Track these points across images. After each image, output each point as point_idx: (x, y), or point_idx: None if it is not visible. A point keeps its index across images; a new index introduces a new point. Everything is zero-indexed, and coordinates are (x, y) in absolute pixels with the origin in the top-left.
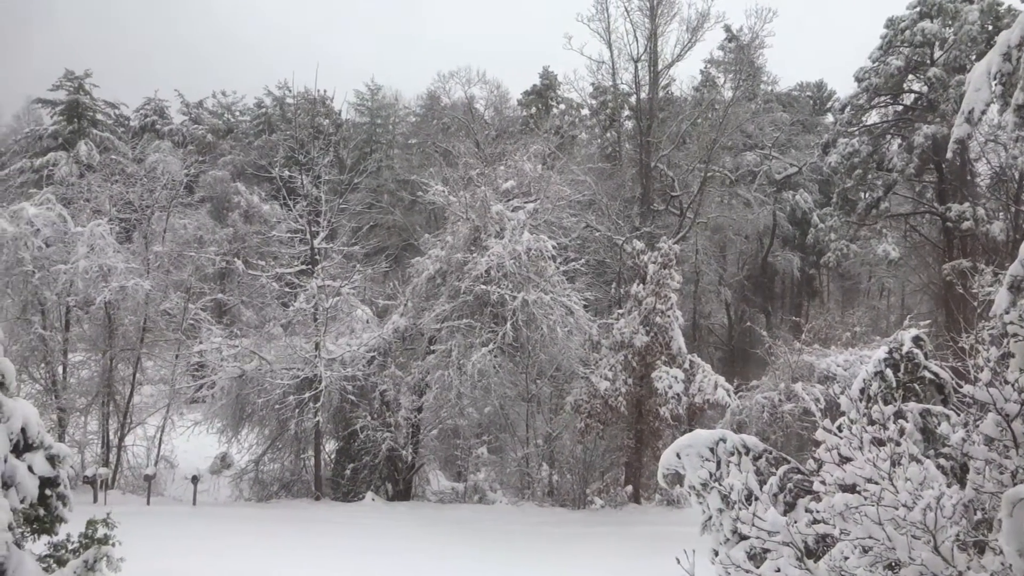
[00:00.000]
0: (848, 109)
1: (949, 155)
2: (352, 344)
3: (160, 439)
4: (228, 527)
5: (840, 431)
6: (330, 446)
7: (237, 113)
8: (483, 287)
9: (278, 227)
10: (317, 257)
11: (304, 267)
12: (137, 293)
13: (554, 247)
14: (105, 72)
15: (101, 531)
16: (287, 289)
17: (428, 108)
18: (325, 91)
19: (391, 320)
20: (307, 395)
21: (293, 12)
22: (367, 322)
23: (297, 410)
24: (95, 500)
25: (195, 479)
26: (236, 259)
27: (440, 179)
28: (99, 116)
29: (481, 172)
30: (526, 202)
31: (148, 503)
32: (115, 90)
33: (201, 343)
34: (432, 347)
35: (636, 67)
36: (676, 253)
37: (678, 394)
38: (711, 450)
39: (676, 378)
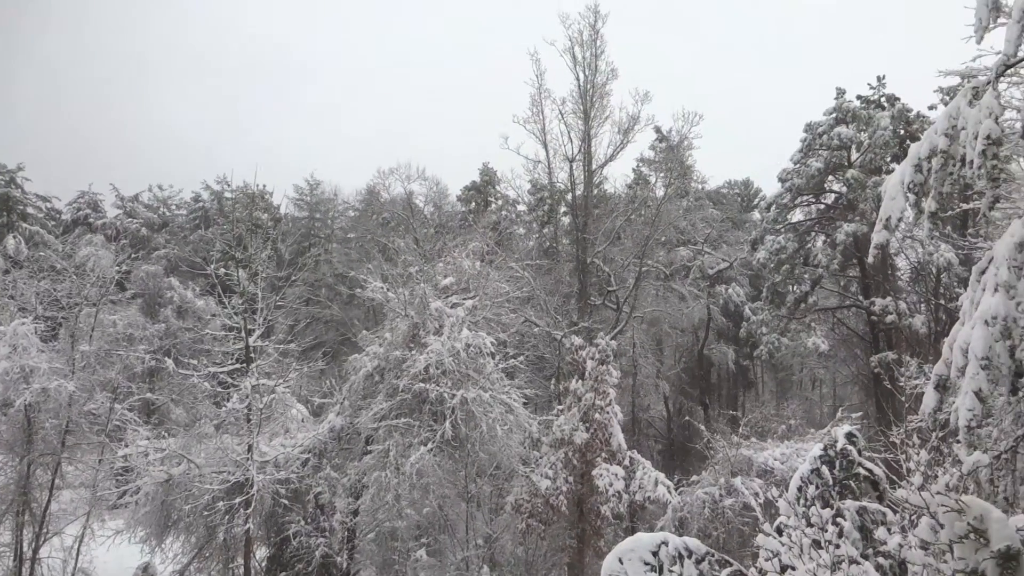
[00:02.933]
0: (774, 207)
1: (871, 259)
2: (286, 445)
3: (78, 550)
4: None
5: (780, 533)
6: (261, 553)
7: (173, 207)
8: (422, 385)
9: (212, 323)
10: (252, 355)
11: (238, 365)
12: (60, 395)
13: (493, 343)
14: (39, 164)
15: None
16: (220, 388)
17: (367, 203)
18: (264, 186)
19: (327, 419)
20: (238, 500)
21: (234, 108)
22: (302, 421)
23: (227, 516)
24: None
25: None
26: (167, 357)
27: (379, 275)
28: (29, 210)
29: (420, 268)
30: (465, 299)
31: None
32: (49, 183)
33: (126, 446)
34: (369, 447)
35: (571, 166)
36: (614, 348)
37: (619, 492)
38: (653, 554)
39: (617, 475)
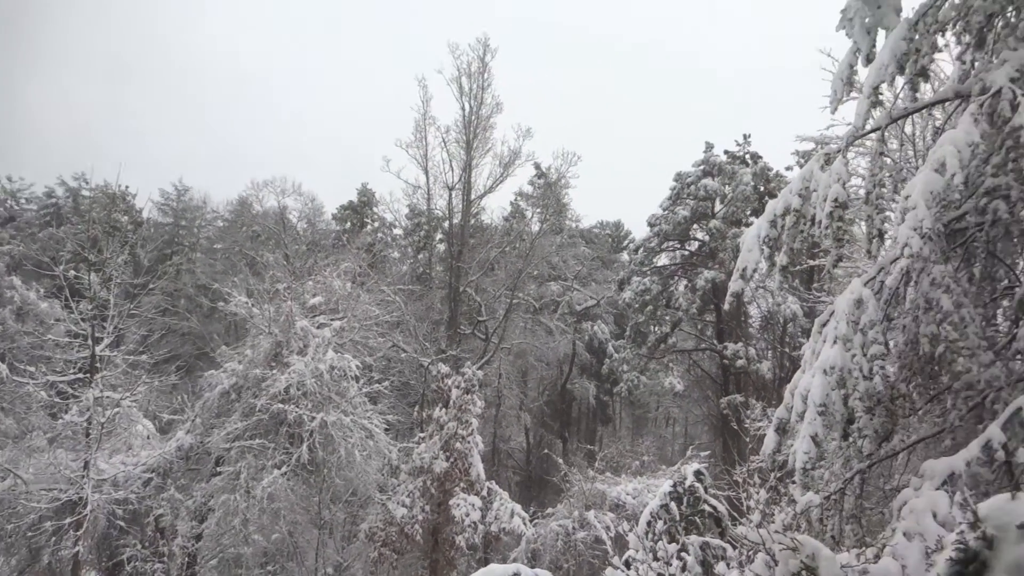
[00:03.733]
0: (642, 250)
1: (726, 306)
2: (127, 463)
3: None
4: None
5: (628, 566)
6: None
7: (23, 201)
8: (280, 405)
9: (55, 328)
10: (97, 365)
11: (81, 375)
12: None
13: (358, 367)
14: None
15: None
16: (58, 399)
17: (238, 214)
18: (127, 187)
19: (176, 437)
20: (68, 520)
21: (106, 103)
22: (148, 438)
23: (54, 537)
24: None
25: None
26: (0, 361)
27: (244, 289)
28: None
29: (288, 286)
30: (333, 319)
31: None
32: None
33: None
34: (219, 468)
35: (451, 194)
36: (480, 378)
37: (475, 522)
38: None
39: (474, 505)
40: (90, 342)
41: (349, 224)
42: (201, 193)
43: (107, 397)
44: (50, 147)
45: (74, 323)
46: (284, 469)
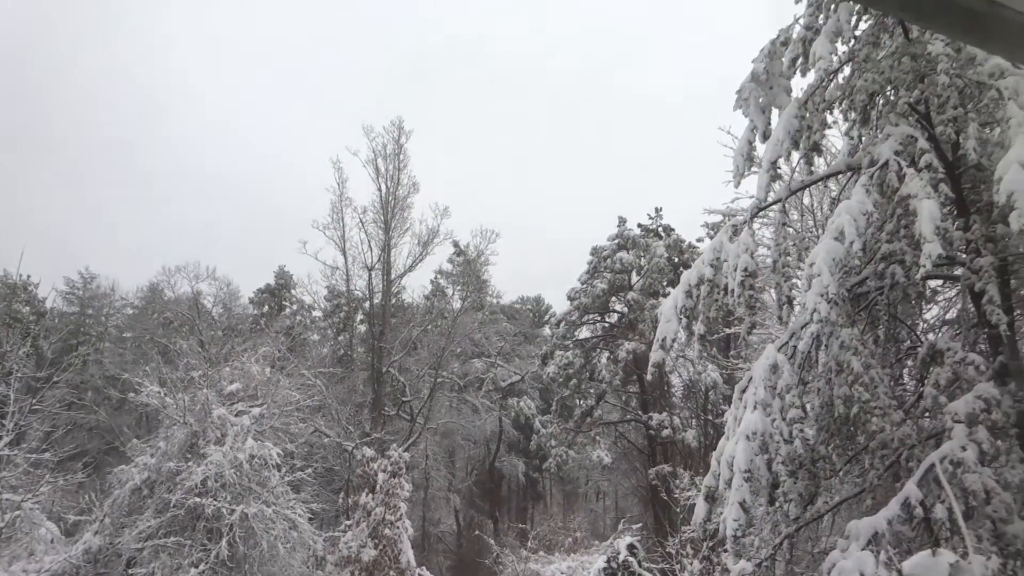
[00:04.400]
0: (563, 324)
1: (649, 376)
2: (30, 570)
3: None
4: None
5: None
6: None
7: None
8: (197, 499)
9: None
10: None
11: None
12: None
13: (280, 454)
14: None
15: None
16: None
17: (149, 301)
18: (29, 276)
19: (83, 539)
20: None
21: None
22: (52, 542)
23: None
24: None
25: None
26: None
27: (156, 378)
28: None
29: (204, 373)
30: (252, 406)
31: None
32: None
33: None
34: (131, 570)
35: (370, 275)
36: (406, 460)
37: None
38: None
39: None
40: None
41: (267, 308)
42: (109, 280)
43: (7, 500)
44: None
45: None
46: (202, 567)
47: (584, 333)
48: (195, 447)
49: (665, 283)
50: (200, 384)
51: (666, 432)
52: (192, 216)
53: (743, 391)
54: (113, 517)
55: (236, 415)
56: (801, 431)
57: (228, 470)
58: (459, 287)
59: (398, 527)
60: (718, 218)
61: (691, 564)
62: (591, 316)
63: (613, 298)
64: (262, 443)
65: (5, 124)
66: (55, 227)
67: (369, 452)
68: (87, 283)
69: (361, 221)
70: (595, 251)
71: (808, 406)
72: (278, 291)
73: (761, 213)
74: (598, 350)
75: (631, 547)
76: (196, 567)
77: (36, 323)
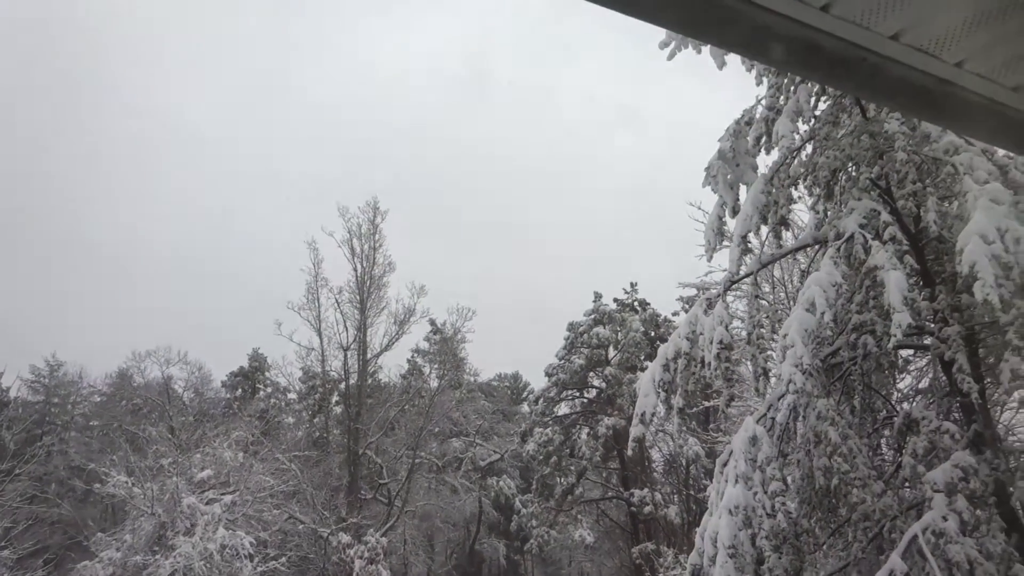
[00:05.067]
0: (541, 400)
1: (629, 452)
2: None
3: None
4: None
5: None
6: None
7: None
8: None
9: None
10: None
11: None
12: None
13: (252, 543)
14: None
15: None
16: None
17: (117, 387)
18: None
19: None
20: None
21: None
22: None
23: None
24: None
25: None
26: None
27: (124, 468)
28: None
29: (174, 460)
30: (224, 493)
31: None
32: None
33: None
34: None
35: (346, 355)
36: (384, 546)
37: None
38: None
39: None
40: None
41: (240, 391)
42: (76, 367)
43: None
44: None
45: None
46: None
47: (563, 409)
48: (163, 539)
49: (642, 357)
50: (170, 472)
51: (648, 509)
52: (161, 300)
53: (724, 464)
54: None
55: (207, 503)
56: (783, 504)
57: (198, 562)
58: (436, 365)
59: None
60: (692, 291)
61: None
62: (570, 392)
63: (591, 373)
64: (234, 532)
65: None
66: (17, 314)
67: (345, 538)
68: (53, 371)
69: (337, 301)
70: (572, 327)
71: (789, 478)
72: (252, 373)
73: (734, 286)
74: (578, 426)
75: None
76: None
77: None
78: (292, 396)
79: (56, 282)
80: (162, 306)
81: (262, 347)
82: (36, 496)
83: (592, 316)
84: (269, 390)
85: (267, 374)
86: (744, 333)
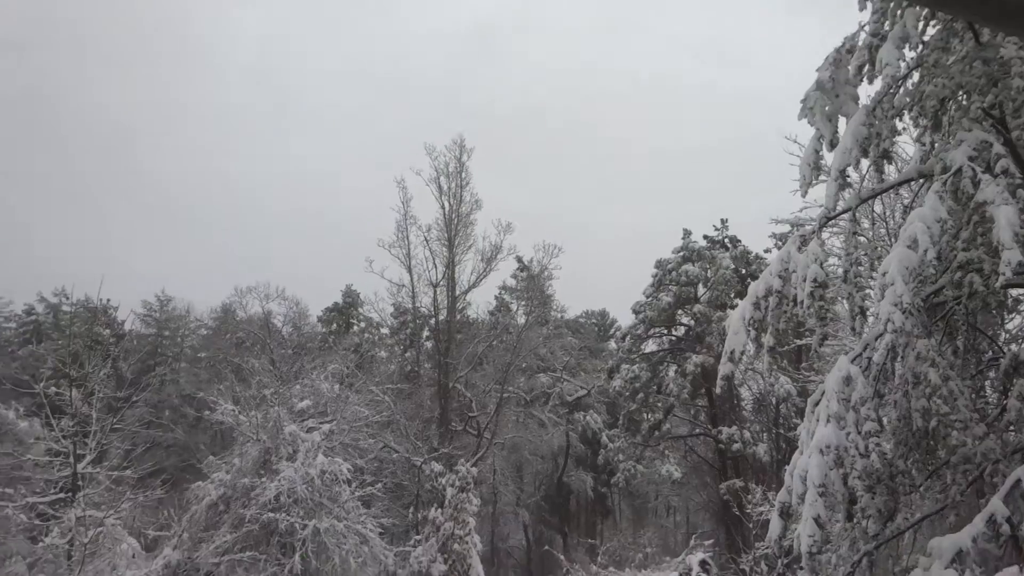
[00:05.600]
0: (628, 338)
1: (718, 390)
2: None
3: None
4: None
5: None
6: None
7: (1, 319)
8: (271, 515)
9: (35, 447)
10: (80, 483)
11: (63, 495)
12: None
13: (350, 470)
14: None
15: None
16: (38, 521)
17: (222, 321)
18: (108, 300)
19: (162, 554)
20: None
21: (80, 223)
22: (133, 557)
23: None
24: None
25: None
26: None
27: (230, 397)
28: None
29: (276, 391)
30: (322, 423)
31: None
32: None
33: None
34: None
35: (435, 291)
36: (474, 475)
37: None
38: None
39: None
40: (72, 460)
41: (335, 326)
42: (184, 303)
43: (90, 516)
44: (29, 264)
45: (55, 441)
46: None
47: (650, 347)
48: (268, 463)
49: (732, 295)
50: (272, 402)
51: (736, 446)
52: (260, 238)
53: (816, 404)
54: (191, 532)
55: (307, 431)
56: (878, 444)
57: (300, 486)
58: (523, 302)
59: (467, 542)
60: (786, 228)
61: None
62: (657, 329)
63: (679, 311)
64: (332, 459)
65: (89, 162)
66: (131, 254)
67: (437, 467)
68: (163, 305)
69: (426, 239)
70: (660, 264)
71: (884, 419)
72: (346, 309)
73: (830, 222)
74: (665, 363)
75: (703, 563)
76: None
77: (116, 345)
78: (384, 331)
79: (161, 224)
80: (259, 244)
81: (355, 284)
82: (152, 422)
83: (681, 253)
84: (362, 325)
85: (360, 310)
86: (840, 271)
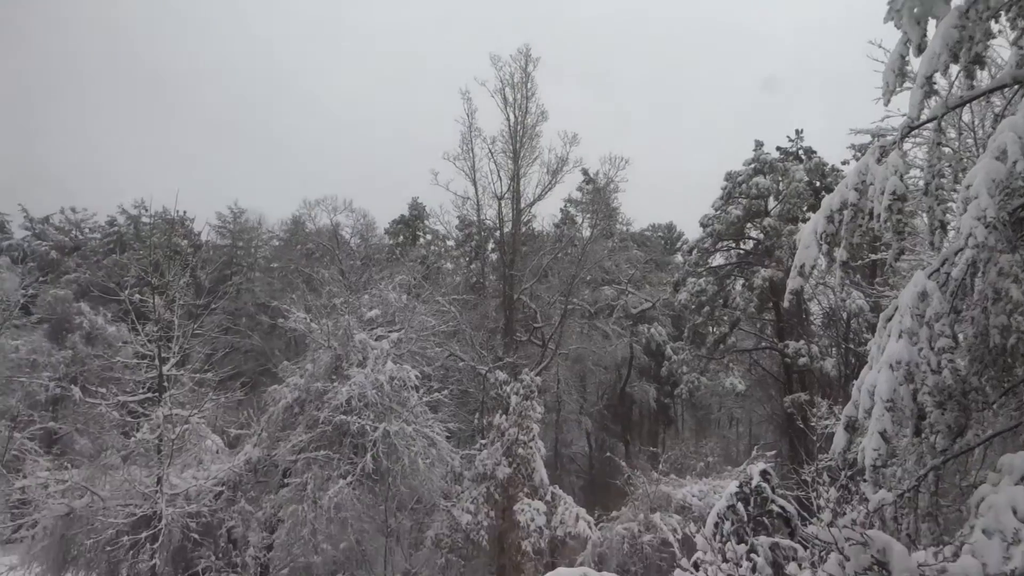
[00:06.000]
0: (695, 251)
1: (786, 304)
2: (199, 477)
3: None
4: None
5: (697, 568)
6: None
7: (87, 231)
8: (343, 417)
9: (123, 351)
10: (165, 384)
11: (150, 395)
12: None
13: (417, 377)
14: None
15: None
16: (129, 418)
17: (292, 233)
18: (184, 212)
19: (243, 451)
20: (144, 534)
21: (156, 138)
22: (217, 453)
23: (131, 551)
24: None
25: None
26: (73, 385)
27: (302, 305)
28: None
29: (345, 300)
30: (390, 331)
31: None
32: None
33: (24, 477)
34: (286, 480)
35: (500, 204)
36: (538, 384)
37: (540, 527)
38: None
39: (538, 511)
40: (157, 362)
41: (401, 238)
42: (256, 214)
43: (176, 414)
44: (108, 178)
45: (141, 345)
46: (349, 479)
47: (718, 260)
48: (339, 369)
49: (804, 208)
50: (342, 311)
51: (803, 360)
52: (326, 152)
53: (888, 319)
54: (269, 432)
55: (376, 340)
56: (951, 361)
57: (370, 390)
58: (589, 215)
59: (531, 447)
60: (865, 139)
61: (827, 492)
62: (725, 243)
63: (748, 224)
64: (401, 366)
65: (159, 76)
66: (203, 166)
67: (502, 375)
68: (236, 217)
69: (490, 151)
70: (729, 176)
71: (960, 336)
72: (412, 221)
73: (913, 132)
74: (732, 277)
75: (765, 473)
76: (344, 478)
77: (193, 255)
78: (450, 243)
79: (229, 138)
80: (327, 156)
81: (421, 197)
82: (230, 328)
83: (752, 165)
84: (428, 237)
85: (426, 222)
86: (920, 183)
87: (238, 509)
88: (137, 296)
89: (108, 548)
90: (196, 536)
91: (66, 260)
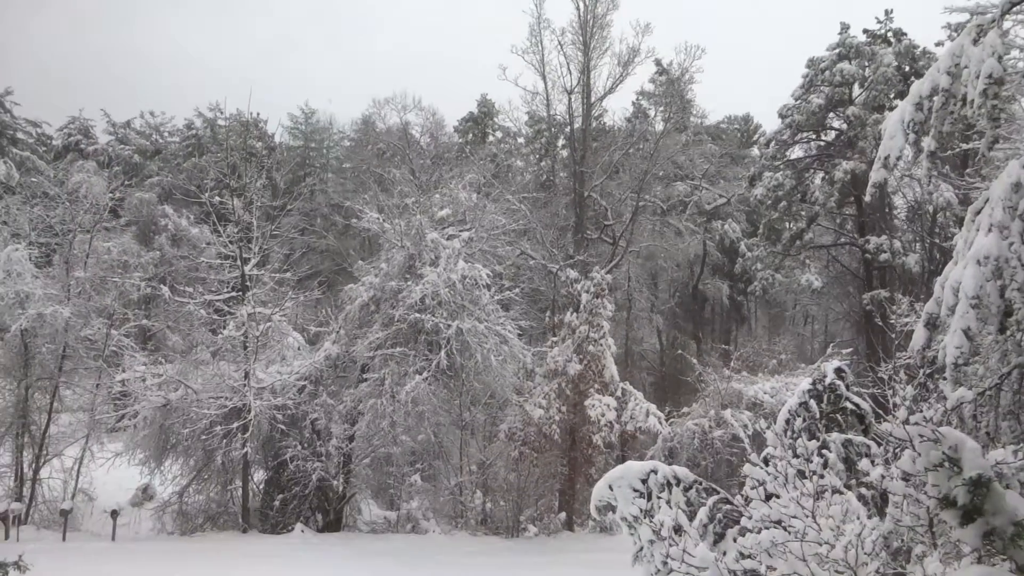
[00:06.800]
0: (773, 144)
1: (868, 198)
2: (283, 372)
3: (78, 471)
4: (148, 564)
5: (766, 463)
6: (258, 476)
7: (166, 134)
8: (417, 315)
9: (207, 251)
10: (248, 283)
11: (234, 293)
12: (56, 320)
13: (489, 275)
14: (27, 91)
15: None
16: (216, 316)
17: (363, 133)
18: (258, 114)
19: (323, 347)
20: (235, 425)
21: (227, 38)
22: (298, 349)
23: (224, 440)
24: (6, 537)
25: (115, 513)
26: (162, 284)
27: (375, 206)
28: (19, 135)
29: (416, 200)
30: (461, 230)
31: (64, 539)
32: (38, 109)
33: (124, 371)
34: (365, 375)
35: (570, 98)
36: (609, 282)
37: (611, 422)
38: (643, 481)
39: (609, 406)
40: (239, 263)
41: (471, 136)
42: (327, 115)
43: (259, 313)
44: (183, 80)
45: (223, 246)
46: (425, 375)
47: (796, 153)
48: (412, 268)
49: (892, 96)
50: (413, 210)
51: (884, 256)
52: (394, 48)
53: (977, 212)
54: (347, 329)
55: (447, 239)
56: None
57: (443, 289)
58: (661, 108)
59: (601, 344)
60: (963, 17)
61: (904, 390)
62: (805, 134)
63: (830, 114)
64: (472, 265)
65: None
66: (268, 69)
67: (573, 274)
68: (308, 118)
69: (559, 43)
70: (811, 63)
71: None
72: (481, 119)
73: (1015, 8)
74: (811, 170)
75: (839, 371)
76: (420, 374)
77: (268, 157)
78: (520, 140)
79: (295, 36)
80: (394, 55)
81: (489, 93)
82: (306, 229)
83: (836, 50)
84: (498, 135)
85: (495, 119)
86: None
87: (320, 402)
88: (217, 198)
89: (203, 437)
90: (283, 427)
91: (148, 164)
